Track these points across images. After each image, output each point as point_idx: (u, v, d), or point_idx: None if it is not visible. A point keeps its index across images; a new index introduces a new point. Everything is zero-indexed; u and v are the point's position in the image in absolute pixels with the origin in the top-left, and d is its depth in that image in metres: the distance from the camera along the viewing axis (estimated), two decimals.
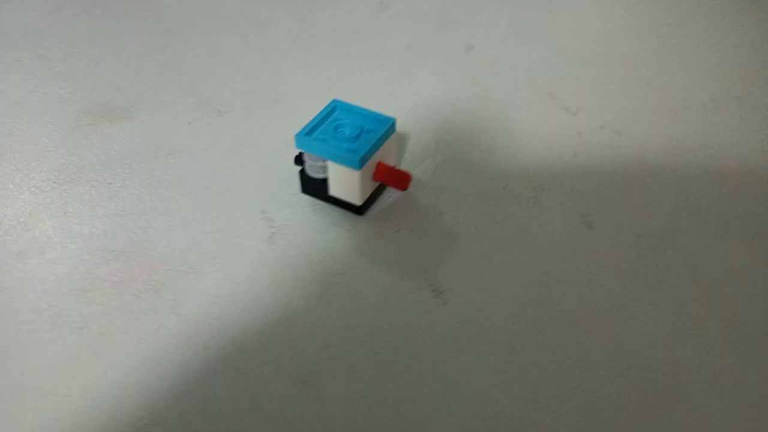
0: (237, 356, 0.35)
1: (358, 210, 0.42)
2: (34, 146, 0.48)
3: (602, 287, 0.39)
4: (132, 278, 0.39)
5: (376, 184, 0.42)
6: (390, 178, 0.41)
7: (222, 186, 0.45)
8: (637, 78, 0.55)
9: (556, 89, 0.53)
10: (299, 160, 0.43)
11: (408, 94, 0.53)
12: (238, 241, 0.41)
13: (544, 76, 0.55)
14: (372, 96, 0.53)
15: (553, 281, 0.39)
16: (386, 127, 0.41)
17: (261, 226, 0.42)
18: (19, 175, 0.46)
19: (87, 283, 0.39)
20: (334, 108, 0.43)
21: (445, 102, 0.52)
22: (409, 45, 0.59)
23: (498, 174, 0.46)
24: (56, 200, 0.44)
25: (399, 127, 0.50)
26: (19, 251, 0.40)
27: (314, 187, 0.43)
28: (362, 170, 0.40)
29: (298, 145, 0.41)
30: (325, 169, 0.41)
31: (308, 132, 0.41)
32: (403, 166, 0.46)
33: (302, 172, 0.43)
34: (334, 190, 0.42)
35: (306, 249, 0.41)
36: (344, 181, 0.41)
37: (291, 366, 0.35)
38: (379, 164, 0.41)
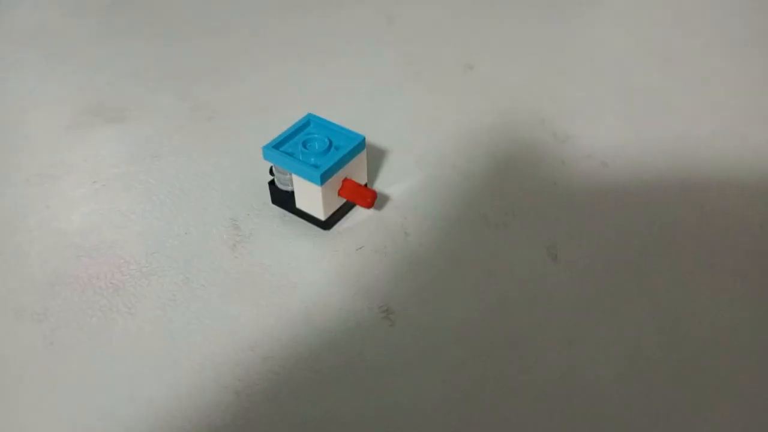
0: (177, 360, 0.36)
1: (323, 224, 0.43)
2: (27, 142, 0.50)
3: (556, 320, 0.38)
4: (97, 276, 0.40)
5: (343, 200, 0.43)
6: (355, 195, 0.41)
7: (198, 191, 0.46)
8: (635, 108, 0.53)
9: (548, 114, 0.53)
10: (272, 171, 0.43)
11: (398, 111, 0.53)
12: (202, 246, 0.42)
13: (539, 100, 0.54)
14: (362, 109, 0.53)
15: (506, 310, 0.38)
16: (354, 145, 0.41)
17: (227, 234, 0.43)
18: (9, 168, 0.48)
19: (55, 276, 0.40)
20: (307, 122, 0.43)
21: (434, 121, 0.52)
22: (408, 60, 0.59)
23: (473, 197, 0.45)
24: (40, 195, 0.46)
25: (382, 143, 0.50)
26: (3, 251, 0.42)
27: (283, 199, 0.44)
28: (325, 186, 0.40)
29: (266, 157, 0.41)
30: (292, 182, 0.42)
31: (276, 145, 0.41)
32: (379, 184, 0.47)
33: (272, 184, 0.44)
34: (299, 203, 0.43)
35: (267, 259, 0.41)
36: (308, 196, 0.41)
37: (228, 375, 0.35)
38: (344, 181, 0.42)
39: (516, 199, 0.45)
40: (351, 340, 0.37)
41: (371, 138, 0.50)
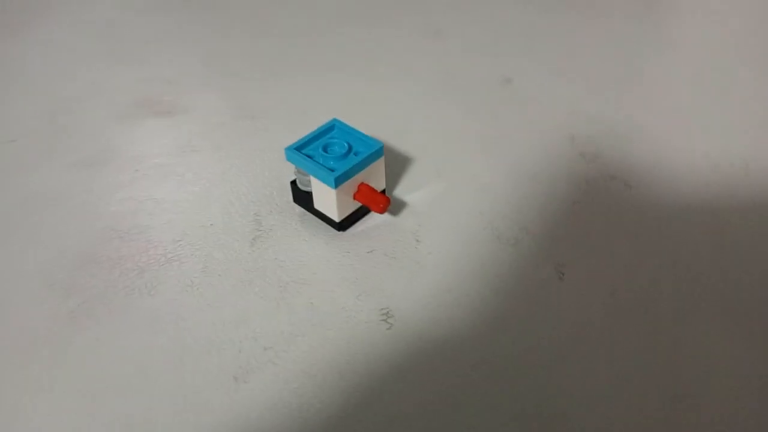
0: (184, 342, 0.38)
1: (338, 226, 0.44)
2: (80, 129, 0.54)
3: (551, 338, 0.38)
4: (125, 257, 0.44)
5: (359, 204, 0.44)
6: (369, 200, 0.43)
7: (228, 185, 0.49)
8: (673, 131, 0.52)
9: (580, 132, 0.52)
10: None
11: (429, 120, 0.54)
12: (224, 238, 0.45)
13: (574, 118, 0.54)
14: (395, 117, 0.55)
15: (502, 324, 0.39)
16: (371, 151, 0.43)
17: (249, 228, 0.45)
18: (62, 152, 0.52)
19: (88, 256, 0.44)
20: (332, 126, 0.45)
21: (463, 132, 0.53)
22: (448, 71, 0.60)
23: (489, 210, 0.46)
24: (86, 179, 0.49)
25: (409, 151, 0.51)
26: (38, 222, 0.46)
27: (303, 199, 0.45)
28: (340, 189, 0.42)
29: (288, 158, 0.43)
30: (310, 183, 0.44)
31: (298, 147, 0.43)
32: (399, 191, 0.48)
33: (293, 183, 0.46)
34: (317, 204, 0.44)
35: (281, 255, 0.43)
36: (324, 197, 0.43)
37: (229, 361, 0.37)
38: (360, 185, 0.43)
39: (532, 216, 0.45)
40: (348, 339, 0.38)
41: (398, 146, 0.51)
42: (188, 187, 0.49)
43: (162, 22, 0.68)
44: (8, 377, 0.37)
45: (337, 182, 0.41)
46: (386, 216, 0.46)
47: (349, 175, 0.42)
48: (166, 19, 0.69)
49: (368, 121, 0.54)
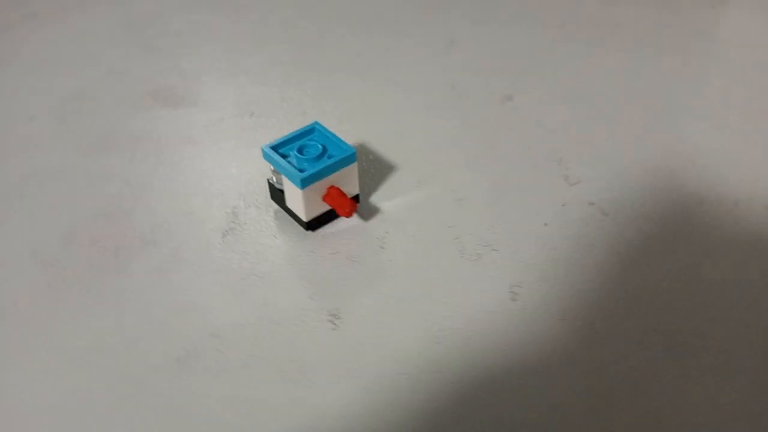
0: (140, 321, 0.40)
1: (306, 226, 0.45)
2: (92, 115, 0.58)
3: (488, 358, 0.38)
4: (107, 237, 0.46)
5: (328, 206, 0.45)
6: (336, 203, 0.44)
7: (215, 177, 0.51)
8: (664, 167, 0.51)
9: (568, 155, 0.52)
10: None
11: (423, 131, 0.55)
12: (200, 227, 0.47)
13: (566, 141, 0.53)
14: (392, 125, 0.55)
15: (445, 339, 0.39)
16: (343, 156, 0.44)
17: (225, 220, 0.47)
18: (70, 136, 0.55)
19: (74, 233, 0.46)
20: (312, 129, 0.46)
21: (454, 145, 0.53)
22: (452, 85, 0.60)
23: (459, 224, 0.46)
24: (86, 162, 0.53)
25: (394, 159, 0.52)
26: (36, 197, 0.49)
27: (278, 197, 0.47)
28: (307, 190, 0.43)
29: (264, 156, 0.45)
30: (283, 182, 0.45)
31: (275, 146, 0.45)
32: (376, 197, 0.49)
33: (269, 181, 0.47)
34: (288, 203, 0.46)
35: (249, 248, 0.45)
36: (294, 197, 0.44)
37: (177, 344, 0.39)
38: (330, 188, 0.44)
39: (500, 234, 0.45)
40: (292, 335, 0.39)
41: (386, 153, 0.52)
42: (178, 177, 0.51)
43: (194, 20, 0.71)
44: None
45: (305, 183, 0.42)
46: (357, 220, 0.47)
47: (318, 177, 0.43)
48: (199, 17, 0.72)
49: (363, 126, 0.55)
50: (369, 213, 0.47)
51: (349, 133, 0.54)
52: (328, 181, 0.44)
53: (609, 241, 0.45)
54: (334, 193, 0.44)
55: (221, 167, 0.52)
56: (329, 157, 0.44)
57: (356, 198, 0.47)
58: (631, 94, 0.58)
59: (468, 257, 0.44)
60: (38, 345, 0.39)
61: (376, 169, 0.51)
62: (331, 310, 0.41)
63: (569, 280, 0.42)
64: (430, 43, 0.67)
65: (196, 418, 0.35)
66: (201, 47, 0.67)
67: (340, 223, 0.47)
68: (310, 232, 0.46)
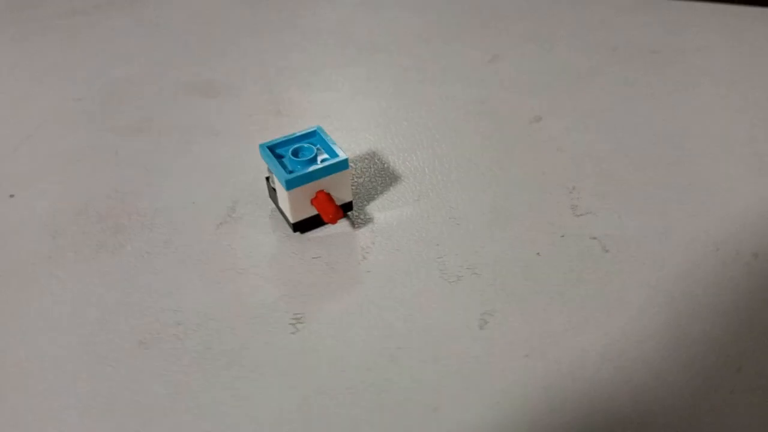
0: (117, 300, 0.42)
1: (293, 227, 0.46)
2: (133, 100, 0.61)
3: (439, 384, 0.37)
4: (111, 216, 0.49)
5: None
6: (321, 208, 0.44)
7: (224, 170, 0.52)
8: (680, 207, 0.47)
9: (582, 185, 0.49)
10: None
11: (443, 146, 0.54)
12: (197, 217, 0.48)
13: (583, 170, 0.50)
14: (411, 137, 0.55)
15: (400, 359, 0.38)
16: (332, 162, 0.44)
17: (222, 212, 0.48)
18: (108, 118, 0.59)
19: (84, 209, 0.49)
20: (313, 132, 0.47)
21: (467, 163, 0.52)
22: (482, 101, 0.59)
23: (446, 243, 0.45)
24: (114, 143, 0.56)
25: (403, 172, 0.51)
26: (60, 173, 0.53)
27: (273, 196, 0.47)
28: (294, 192, 0.43)
29: (261, 154, 0.46)
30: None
31: (271, 146, 0.45)
32: (372, 207, 0.48)
33: (267, 180, 0.48)
34: (279, 203, 0.46)
35: (236, 243, 0.46)
36: (282, 198, 0.45)
37: (143, 326, 0.40)
38: (318, 192, 0.44)
39: (486, 258, 0.44)
40: (252, 333, 0.40)
41: (397, 164, 0.52)
42: (194, 165, 0.53)
43: (251, 18, 0.74)
44: None
45: (290, 185, 0.43)
46: (347, 228, 0.47)
47: (306, 180, 0.43)
48: (254, 17, 0.74)
49: (383, 134, 0.55)
50: (361, 222, 0.47)
51: (367, 140, 0.55)
52: (318, 185, 0.44)
53: (602, 279, 0.42)
54: (321, 198, 0.44)
55: (235, 161, 0.53)
56: (321, 162, 0.44)
57: (348, 205, 0.47)
58: (668, 132, 0.54)
59: (447, 278, 0.43)
60: (24, 307, 0.42)
61: (382, 179, 0.51)
62: (296, 314, 0.41)
63: (545, 315, 0.40)
64: (474, 57, 0.65)
65: (140, 402, 0.36)
66: (250, 45, 0.69)
67: (330, 229, 0.47)
68: (298, 234, 0.46)
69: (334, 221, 0.44)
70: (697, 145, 0.53)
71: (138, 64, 0.66)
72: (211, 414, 0.36)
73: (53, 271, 0.44)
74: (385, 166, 0.52)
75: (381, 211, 0.48)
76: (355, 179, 0.51)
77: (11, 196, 0.51)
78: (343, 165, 0.44)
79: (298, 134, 0.46)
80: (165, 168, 0.53)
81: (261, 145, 0.45)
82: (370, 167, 0.52)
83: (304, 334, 0.40)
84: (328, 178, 0.44)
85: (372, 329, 0.40)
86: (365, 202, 0.49)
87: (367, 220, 0.47)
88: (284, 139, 0.46)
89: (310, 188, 0.44)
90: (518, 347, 0.38)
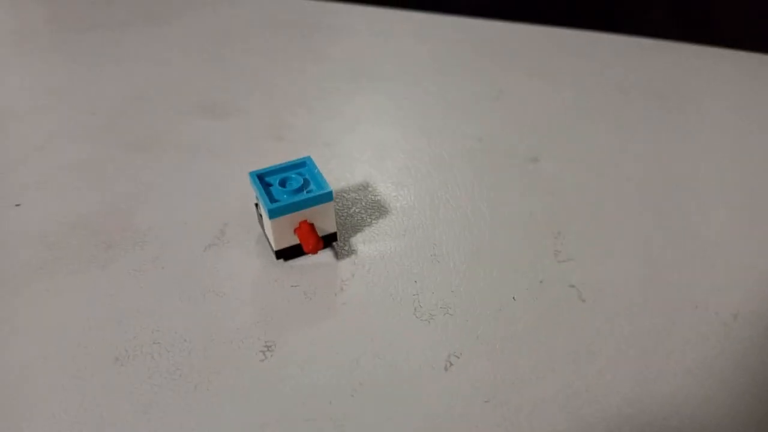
0: (98, 315, 0.43)
1: (276, 255, 0.47)
2: (143, 116, 0.63)
3: (395, 423, 0.37)
4: (105, 232, 0.50)
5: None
6: (302, 237, 0.45)
7: (219, 192, 0.53)
8: (662, 252, 0.47)
9: (568, 231, 0.49)
10: None
11: (434, 182, 0.54)
12: (187, 237, 0.49)
13: (571, 214, 0.50)
14: (404, 170, 0.55)
15: (361, 395, 0.38)
16: (317, 194, 0.45)
17: (211, 235, 0.50)
18: (117, 133, 0.61)
19: (81, 222, 0.51)
20: (303, 163, 0.48)
21: (455, 201, 0.52)
22: (480, 137, 0.59)
23: (424, 281, 0.45)
24: (118, 158, 0.57)
25: (392, 206, 0.52)
26: (62, 185, 0.55)
27: (261, 222, 0.49)
28: (277, 221, 0.44)
29: (250, 180, 0.47)
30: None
31: (261, 174, 0.47)
32: (358, 238, 0.49)
33: (256, 205, 0.49)
34: (265, 230, 0.47)
35: (220, 266, 0.47)
36: (267, 225, 0.46)
37: (120, 343, 0.42)
38: (302, 222, 0.45)
39: (461, 298, 0.44)
40: (223, 357, 0.41)
41: (389, 198, 0.52)
42: (191, 185, 0.54)
43: (266, 43, 0.76)
44: None
45: (272, 214, 0.44)
46: (330, 258, 0.47)
47: (289, 210, 0.44)
48: (270, 42, 0.76)
49: (378, 166, 0.56)
50: (345, 253, 0.48)
51: (363, 171, 0.55)
52: (302, 215, 0.45)
53: (574, 329, 0.42)
54: (303, 228, 0.45)
55: (230, 184, 0.54)
56: (304, 192, 0.45)
57: (333, 236, 0.48)
58: (665, 179, 0.54)
59: (419, 316, 0.43)
60: (9, 315, 0.44)
61: (372, 211, 0.51)
62: (268, 341, 0.42)
63: (512, 361, 0.40)
64: (480, 92, 0.66)
65: (105, 418, 0.38)
66: (262, 69, 0.71)
67: (314, 258, 0.47)
68: (281, 261, 0.47)
69: (314, 252, 0.45)
70: (692, 194, 0.52)
71: (153, 82, 0.68)
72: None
73: (43, 281, 0.46)
74: (377, 198, 0.53)
75: (366, 243, 0.49)
76: (346, 209, 0.52)
77: (17, 205, 0.53)
78: (328, 197, 0.45)
79: (289, 164, 0.47)
80: (163, 186, 0.54)
81: (251, 173, 0.47)
82: (363, 198, 0.53)
83: (273, 362, 0.40)
84: (311, 209, 0.45)
85: (338, 363, 0.40)
86: (351, 234, 0.49)
87: (351, 252, 0.48)
88: (274, 168, 0.47)
89: (294, 218, 0.45)
90: (480, 392, 0.38)
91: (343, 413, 0.38)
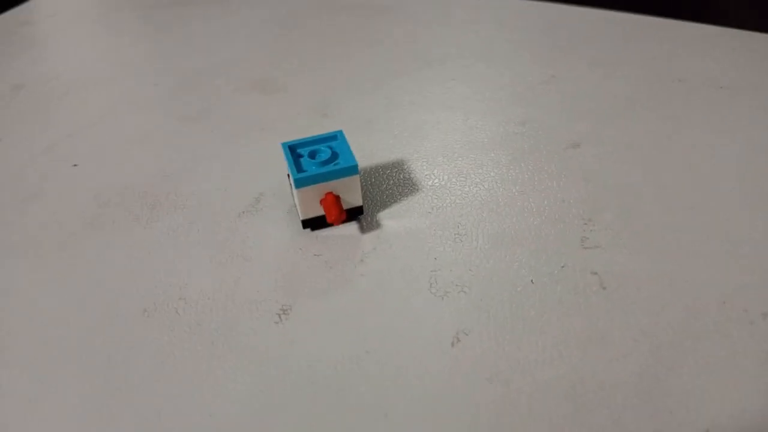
0: (134, 269, 0.46)
1: (303, 224, 0.48)
2: (198, 92, 0.66)
3: (395, 392, 0.37)
4: (153, 194, 0.53)
5: None
6: (326, 208, 0.46)
7: (260, 163, 0.55)
8: (692, 248, 0.45)
9: (599, 218, 0.47)
10: None
11: (469, 164, 0.54)
12: (224, 205, 0.52)
13: (604, 202, 0.49)
14: (440, 152, 0.56)
15: (364, 362, 0.39)
16: (343, 166, 0.46)
17: (247, 203, 0.52)
18: (174, 106, 0.64)
19: (133, 184, 0.54)
20: (334, 136, 0.49)
21: (488, 183, 0.52)
22: (524, 121, 0.58)
23: (443, 258, 0.45)
24: (177, 130, 0.61)
25: (424, 184, 0.52)
26: (120, 152, 0.58)
27: (292, 192, 0.50)
28: (303, 191, 0.46)
29: (283, 151, 0.48)
30: None
31: (292, 145, 0.48)
32: (385, 213, 0.49)
33: (288, 176, 0.50)
34: (295, 199, 0.49)
35: (251, 232, 0.49)
36: (295, 195, 0.47)
37: (149, 296, 0.44)
38: (327, 194, 0.46)
39: (477, 277, 0.44)
40: (240, 317, 0.43)
41: (420, 177, 0.53)
42: (235, 156, 0.57)
43: (324, 26, 0.77)
44: (30, 253, 0.49)
45: (298, 183, 0.45)
46: (355, 230, 0.48)
47: (314, 180, 0.46)
48: (327, 25, 0.78)
49: (415, 146, 0.56)
50: (369, 227, 0.49)
51: (401, 149, 0.56)
52: (329, 186, 0.46)
53: (590, 317, 0.41)
54: (329, 199, 0.46)
55: (271, 156, 0.56)
56: (331, 164, 0.46)
57: (359, 210, 0.48)
58: (707, 174, 0.51)
59: (434, 292, 0.43)
60: (56, 263, 0.47)
61: (403, 188, 0.52)
62: (284, 306, 0.43)
63: (520, 343, 0.40)
64: (531, 77, 0.65)
65: (128, 363, 0.40)
66: (316, 50, 0.72)
67: (340, 230, 0.48)
68: (308, 231, 0.49)
69: (337, 222, 0.46)
70: (736, 194, 0.49)
71: (212, 58, 0.72)
72: (185, 383, 0.39)
73: (89, 235, 0.50)
74: (409, 176, 0.53)
75: (392, 218, 0.49)
76: (377, 185, 0.52)
77: (75, 165, 0.57)
78: (353, 170, 0.46)
79: (321, 136, 0.49)
80: (209, 156, 0.57)
81: (283, 144, 0.48)
82: (395, 175, 0.53)
83: (286, 326, 0.42)
84: (337, 181, 0.46)
85: (348, 331, 0.41)
86: (380, 209, 0.50)
87: (376, 226, 0.49)
88: (306, 140, 0.48)
89: (320, 189, 0.46)
90: (482, 370, 0.38)
91: (345, 379, 0.38)
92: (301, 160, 0.47)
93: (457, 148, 0.56)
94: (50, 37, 0.82)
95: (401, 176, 0.53)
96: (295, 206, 0.50)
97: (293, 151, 0.48)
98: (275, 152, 0.56)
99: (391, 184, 0.52)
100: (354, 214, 0.49)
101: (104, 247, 0.49)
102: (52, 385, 0.39)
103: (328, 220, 0.46)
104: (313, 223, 0.48)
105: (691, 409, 0.36)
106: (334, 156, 0.47)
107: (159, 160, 0.57)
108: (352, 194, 0.47)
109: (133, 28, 0.81)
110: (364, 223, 0.49)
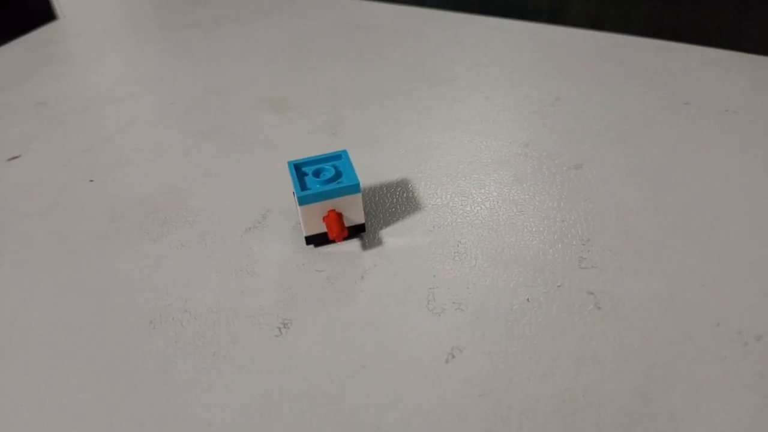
0: (143, 282, 0.48)
1: (305, 240, 0.49)
2: (211, 108, 0.68)
3: (388, 412, 0.38)
4: (163, 209, 0.55)
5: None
6: (328, 225, 0.47)
7: (268, 181, 0.57)
8: (691, 271, 0.45)
9: (598, 238, 0.48)
10: None
11: (471, 184, 0.55)
12: (232, 220, 0.53)
13: (604, 222, 0.49)
14: (444, 171, 0.57)
15: (357, 378, 0.40)
16: (347, 185, 0.47)
17: (254, 218, 0.53)
18: (188, 122, 0.66)
19: (144, 199, 0.56)
20: (339, 155, 0.50)
21: (490, 203, 0.53)
22: (527, 142, 0.59)
23: (441, 276, 0.46)
24: (188, 146, 0.63)
25: (427, 203, 0.53)
26: (132, 165, 0.60)
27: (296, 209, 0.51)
28: (306, 208, 0.47)
29: (288, 168, 0.50)
30: None
31: (298, 163, 0.50)
32: (388, 231, 0.51)
33: (294, 194, 0.52)
34: (299, 216, 0.50)
35: (256, 247, 0.50)
36: (299, 212, 0.49)
37: (156, 307, 0.46)
38: (330, 211, 0.48)
39: (475, 295, 0.45)
40: (239, 331, 0.44)
41: (423, 195, 0.54)
42: (245, 172, 0.58)
43: (341, 45, 0.79)
44: (47, 257, 0.51)
45: (302, 201, 0.47)
46: (356, 247, 0.49)
47: (317, 198, 0.47)
48: (343, 44, 0.80)
49: (421, 165, 0.58)
50: (371, 243, 0.50)
51: (403, 168, 0.57)
52: (331, 204, 0.48)
53: (583, 335, 0.41)
54: (330, 216, 0.47)
55: (279, 174, 0.58)
56: (333, 183, 0.48)
57: (361, 227, 0.50)
58: (710, 198, 0.52)
59: (431, 309, 0.44)
60: (65, 274, 0.49)
61: (403, 207, 0.53)
62: (285, 319, 0.44)
63: (513, 360, 0.40)
64: (537, 98, 0.66)
65: (131, 371, 0.42)
66: (331, 69, 0.74)
67: (342, 246, 0.50)
68: (311, 248, 0.50)
69: (338, 239, 0.47)
70: (736, 217, 0.50)
71: (229, 77, 0.74)
72: (186, 393, 0.40)
73: (101, 248, 0.51)
74: (412, 195, 0.54)
75: (393, 236, 0.50)
76: (381, 203, 0.53)
77: (91, 180, 0.59)
78: (355, 189, 0.47)
79: (326, 155, 0.50)
80: (220, 172, 0.59)
81: (289, 163, 0.50)
82: (398, 194, 0.54)
83: (286, 339, 0.43)
84: (340, 198, 0.47)
85: (345, 345, 0.42)
86: (382, 226, 0.51)
87: (378, 243, 0.50)
88: (312, 159, 0.50)
89: (323, 206, 0.47)
90: (475, 386, 0.39)
91: (341, 391, 0.39)
92: (306, 178, 0.49)
93: (461, 168, 0.57)
94: (74, 56, 0.85)
95: (405, 195, 0.54)
96: (300, 223, 0.51)
97: (298, 169, 0.49)
98: (283, 170, 0.58)
99: (394, 202, 0.54)
100: (356, 231, 0.50)
101: (114, 260, 0.50)
102: (58, 391, 0.41)
103: (330, 237, 0.47)
104: (316, 240, 0.49)
105: (681, 430, 0.36)
106: (338, 175, 0.49)
107: (172, 177, 0.59)
108: (354, 212, 0.49)
109: (154, 48, 0.83)
110: (366, 240, 0.50)
